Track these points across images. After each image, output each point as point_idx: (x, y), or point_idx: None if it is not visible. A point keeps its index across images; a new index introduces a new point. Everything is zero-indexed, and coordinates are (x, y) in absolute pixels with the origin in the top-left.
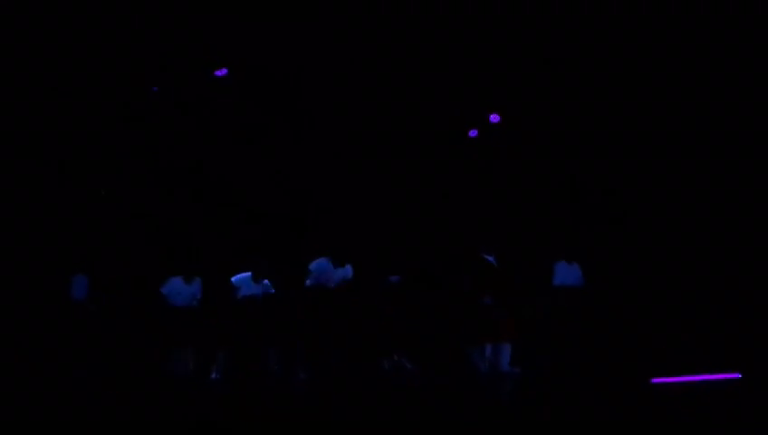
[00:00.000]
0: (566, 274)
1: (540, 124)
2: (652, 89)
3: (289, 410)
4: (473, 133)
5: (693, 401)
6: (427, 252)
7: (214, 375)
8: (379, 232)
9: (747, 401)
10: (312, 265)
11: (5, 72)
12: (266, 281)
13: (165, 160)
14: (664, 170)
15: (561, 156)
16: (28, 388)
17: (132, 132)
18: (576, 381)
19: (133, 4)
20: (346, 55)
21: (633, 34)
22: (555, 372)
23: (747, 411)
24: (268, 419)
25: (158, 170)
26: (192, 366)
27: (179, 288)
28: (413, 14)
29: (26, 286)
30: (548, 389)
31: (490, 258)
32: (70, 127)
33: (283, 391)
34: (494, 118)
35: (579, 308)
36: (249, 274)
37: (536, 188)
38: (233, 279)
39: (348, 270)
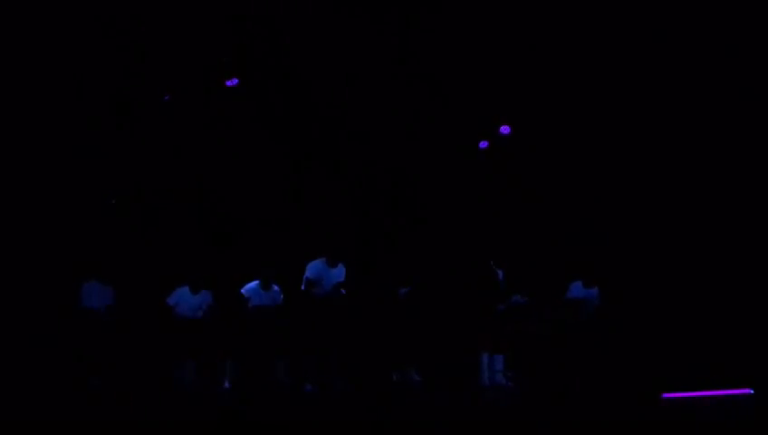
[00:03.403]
0: (581, 292)
1: (552, 136)
2: (671, 103)
3: (296, 423)
4: (483, 145)
5: (704, 416)
6: (435, 264)
7: (226, 385)
8: (388, 243)
9: (759, 417)
10: (309, 270)
11: (13, 80)
12: (276, 288)
13: (174, 169)
14: (678, 186)
15: (572, 168)
16: (36, 395)
17: (143, 141)
18: (585, 395)
19: (149, 14)
20: (358, 65)
21: (648, 46)
22: (562, 385)
23: (759, 428)
24: (274, 430)
25: (168, 179)
26: (199, 377)
27: (186, 299)
28: (422, 23)
29: (35, 294)
30: (554, 403)
31: (499, 272)
32: (80, 135)
33: (290, 402)
34: (505, 129)
35: (588, 320)
36: (257, 282)
37: (548, 200)
38: (243, 290)
39: (341, 272)
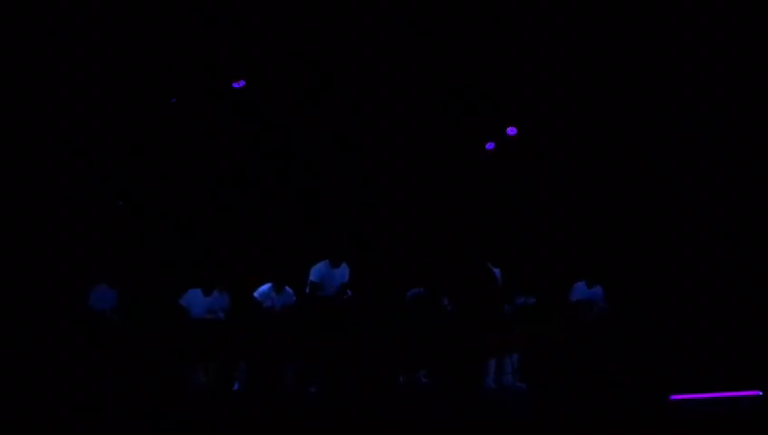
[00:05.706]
0: (585, 292)
1: (558, 138)
2: (672, 105)
3: (301, 426)
4: (489, 146)
5: (713, 418)
6: (442, 267)
7: (236, 387)
8: (396, 247)
9: None
10: (313, 273)
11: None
12: (289, 290)
13: (185, 171)
14: (685, 186)
15: (579, 170)
16: (45, 398)
17: (152, 144)
18: (593, 398)
19: (156, 18)
20: (364, 65)
21: (655, 51)
22: (570, 387)
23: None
24: (281, 432)
25: (178, 181)
26: (208, 378)
27: (198, 300)
28: (429, 27)
29: (44, 297)
30: (562, 405)
31: (496, 270)
32: (88, 139)
33: (295, 405)
34: (512, 131)
35: (595, 322)
36: (270, 285)
37: (554, 202)
38: (256, 293)
39: (345, 273)
